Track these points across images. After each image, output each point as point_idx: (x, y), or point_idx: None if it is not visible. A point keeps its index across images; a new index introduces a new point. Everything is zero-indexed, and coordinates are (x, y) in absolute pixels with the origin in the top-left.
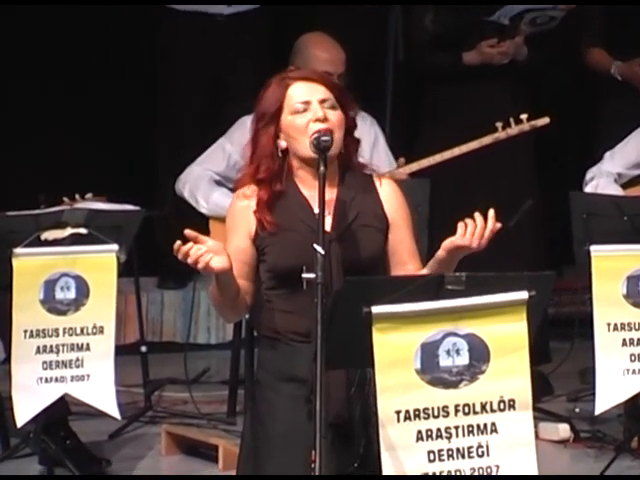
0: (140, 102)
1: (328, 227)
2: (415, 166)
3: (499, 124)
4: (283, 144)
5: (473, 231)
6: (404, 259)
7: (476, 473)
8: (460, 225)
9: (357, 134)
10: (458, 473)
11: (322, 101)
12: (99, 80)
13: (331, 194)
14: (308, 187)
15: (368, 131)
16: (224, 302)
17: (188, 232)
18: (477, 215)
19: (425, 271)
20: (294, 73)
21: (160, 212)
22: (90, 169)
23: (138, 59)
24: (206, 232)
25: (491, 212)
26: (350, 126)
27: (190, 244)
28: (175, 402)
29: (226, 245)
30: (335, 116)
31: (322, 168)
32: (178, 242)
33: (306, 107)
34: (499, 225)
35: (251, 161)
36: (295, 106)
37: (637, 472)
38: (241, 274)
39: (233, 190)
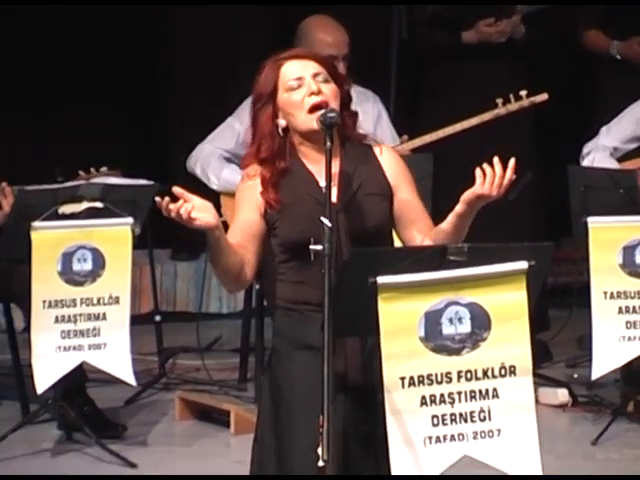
0: (154, 81)
1: (334, 198)
2: (418, 142)
3: (499, 100)
4: (282, 122)
5: (492, 180)
6: (413, 218)
7: (478, 437)
8: (479, 174)
9: (360, 111)
10: (461, 437)
11: (315, 75)
12: (114, 57)
13: (334, 167)
14: (312, 161)
15: (372, 108)
16: (220, 269)
17: (175, 189)
18: (496, 162)
19: (444, 226)
20: (285, 53)
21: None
22: (105, 143)
23: (152, 40)
24: (217, 206)
25: (512, 161)
26: (345, 99)
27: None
28: (188, 369)
29: (233, 218)
30: (329, 89)
31: (329, 143)
32: (166, 199)
33: (300, 83)
34: (514, 176)
35: (252, 142)
36: (289, 83)
37: (633, 435)
38: (245, 245)
39: (242, 166)
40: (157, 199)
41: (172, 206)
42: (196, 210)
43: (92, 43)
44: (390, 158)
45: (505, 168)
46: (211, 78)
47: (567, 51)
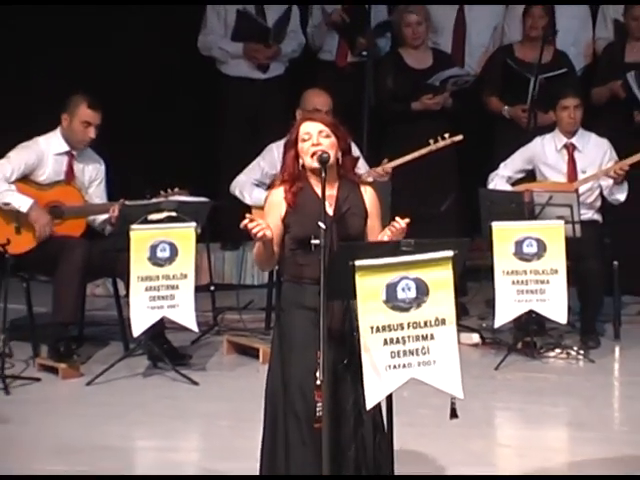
0: (209, 131)
1: (330, 212)
2: (380, 170)
3: (431, 140)
4: (301, 161)
5: (395, 232)
6: (374, 235)
7: (421, 365)
8: (389, 228)
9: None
10: (409, 365)
11: (319, 132)
12: (183, 109)
13: (332, 191)
14: (316, 186)
15: (357, 153)
16: (264, 258)
17: (249, 216)
18: (398, 220)
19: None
20: (304, 116)
21: (221, 203)
22: (178, 171)
23: (211, 99)
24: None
25: (405, 220)
26: (345, 148)
27: (256, 223)
28: (232, 321)
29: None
30: (328, 141)
31: (323, 174)
32: (245, 220)
33: (309, 137)
34: (405, 226)
35: (281, 170)
36: (302, 136)
37: (521, 363)
38: (274, 241)
39: (267, 188)
40: (245, 222)
41: (251, 224)
42: (264, 227)
43: (168, 94)
44: (370, 196)
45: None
46: (247, 127)
47: (476, 111)
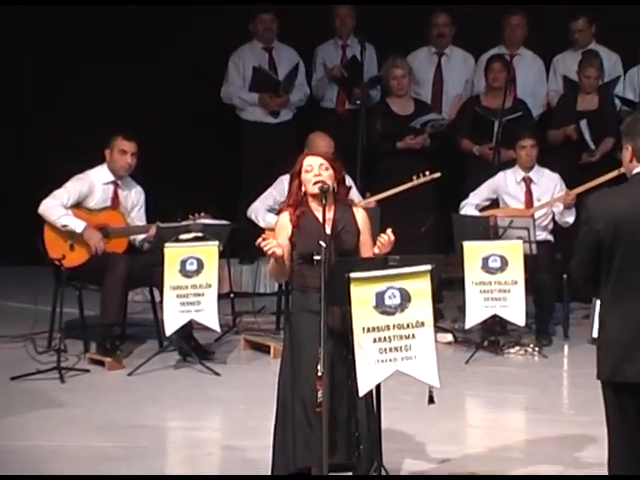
0: (230, 165)
1: (328, 231)
2: (371, 200)
3: (414, 176)
4: (304, 189)
5: (384, 243)
6: (366, 250)
7: (404, 360)
8: (378, 239)
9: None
10: (395, 360)
11: (320, 165)
12: (207, 145)
13: (330, 214)
14: (316, 210)
15: (351, 185)
16: (278, 271)
17: (264, 236)
18: (388, 231)
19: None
20: (307, 152)
21: (239, 225)
22: (204, 199)
23: (229, 140)
24: (262, 234)
25: (389, 233)
26: (340, 179)
27: (268, 242)
28: (248, 323)
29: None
30: (327, 174)
31: (324, 201)
32: (259, 240)
33: (311, 168)
34: (392, 238)
35: (287, 197)
36: (306, 168)
37: (486, 359)
38: (286, 257)
39: (277, 213)
40: (259, 241)
41: (264, 243)
42: (276, 246)
43: (198, 135)
44: (361, 216)
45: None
46: (261, 162)
47: (450, 150)
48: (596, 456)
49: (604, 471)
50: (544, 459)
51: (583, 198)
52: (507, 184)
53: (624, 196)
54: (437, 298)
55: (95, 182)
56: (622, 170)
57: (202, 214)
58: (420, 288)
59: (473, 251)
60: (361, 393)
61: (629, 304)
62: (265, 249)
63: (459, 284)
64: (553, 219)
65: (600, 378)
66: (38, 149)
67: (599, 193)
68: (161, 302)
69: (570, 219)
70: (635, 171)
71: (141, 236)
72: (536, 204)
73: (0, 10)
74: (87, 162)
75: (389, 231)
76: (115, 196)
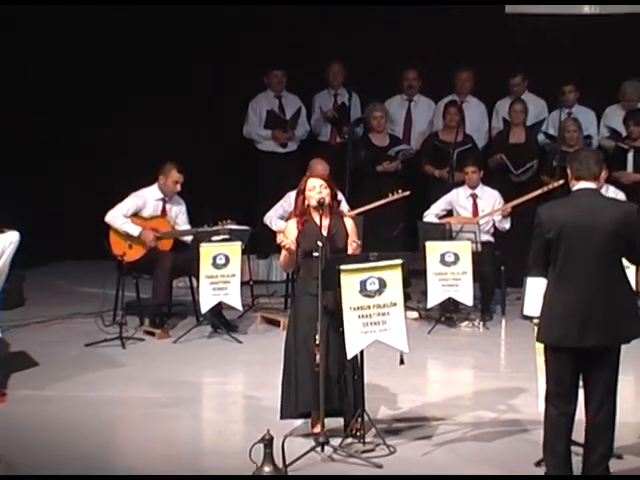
0: (251, 185)
1: (325, 233)
2: (355, 211)
3: (390, 193)
4: (307, 203)
5: (355, 248)
6: (352, 251)
7: (382, 331)
8: (350, 245)
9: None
10: (374, 332)
11: (320, 185)
12: (234, 170)
13: (326, 222)
14: (316, 218)
15: (342, 199)
16: (289, 263)
17: (280, 237)
18: (353, 244)
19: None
20: (309, 175)
21: (257, 230)
22: (230, 210)
23: (250, 167)
24: (274, 236)
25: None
26: (333, 195)
27: (285, 239)
28: (263, 303)
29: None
30: (325, 191)
31: (322, 212)
32: (279, 238)
33: (314, 187)
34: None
35: (294, 209)
36: (309, 187)
37: (443, 330)
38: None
39: (286, 220)
40: (279, 240)
41: (283, 241)
42: (291, 242)
43: (227, 163)
44: (349, 223)
45: None
46: (274, 182)
47: (417, 172)
48: (526, 403)
49: (533, 413)
50: (486, 406)
51: (537, 207)
52: (459, 199)
53: (567, 206)
54: (406, 284)
55: (148, 198)
56: (544, 189)
57: (229, 221)
58: (393, 277)
59: (433, 249)
60: (349, 356)
61: (570, 286)
62: (283, 245)
63: (422, 274)
64: (493, 225)
65: (547, 343)
66: (105, 171)
67: (548, 204)
68: (198, 288)
69: (507, 225)
70: (575, 188)
71: (187, 238)
72: (480, 214)
73: (68, 47)
74: (140, 180)
75: (354, 244)
76: (163, 209)
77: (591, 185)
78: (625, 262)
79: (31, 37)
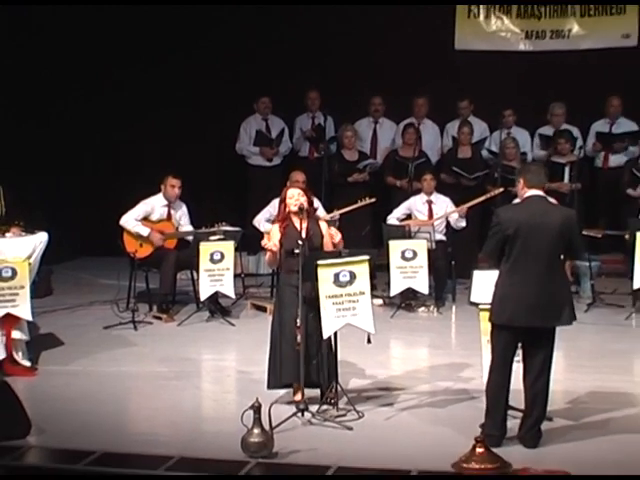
0: (243, 194)
1: (304, 235)
2: (329, 215)
3: (359, 200)
4: (288, 209)
5: (332, 237)
6: (327, 249)
7: (352, 316)
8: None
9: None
10: (345, 316)
11: (299, 194)
12: (229, 181)
13: (305, 225)
14: (296, 222)
15: (318, 205)
16: (272, 261)
17: (265, 240)
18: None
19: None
20: (289, 185)
21: (247, 231)
22: (224, 214)
23: (242, 179)
24: (262, 236)
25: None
26: (310, 202)
27: (268, 242)
28: (253, 293)
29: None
30: (303, 199)
31: (301, 216)
32: (263, 241)
33: (293, 196)
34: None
35: (277, 215)
36: (289, 196)
37: (404, 314)
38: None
39: (272, 223)
40: (263, 242)
41: (267, 244)
42: (273, 244)
43: (224, 175)
44: (324, 226)
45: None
46: (261, 191)
47: (381, 183)
48: (472, 375)
49: (478, 384)
50: (440, 378)
51: (492, 209)
52: (416, 204)
53: (522, 209)
54: (372, 276)
55: (155, 205)
56: (489, 194)
57: (223, 223)
58: (362, 270)
59: (395, 247)
60: (325, 336)
61: (521, 275)
62: (267, 247)
63: (386, 267)
64: (446, 226)
65: (498, 322)
66: (120, 181)
67: (506, 207)
68: (198, 279)
69: (463, 224)
70: (527, 194)
71: (189, 237)
72: (435, 217)
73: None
74: (150, 188)
75: (338, 235)
76: (169, 213)
77: (540, 193)
78: None
79: (59, 48)
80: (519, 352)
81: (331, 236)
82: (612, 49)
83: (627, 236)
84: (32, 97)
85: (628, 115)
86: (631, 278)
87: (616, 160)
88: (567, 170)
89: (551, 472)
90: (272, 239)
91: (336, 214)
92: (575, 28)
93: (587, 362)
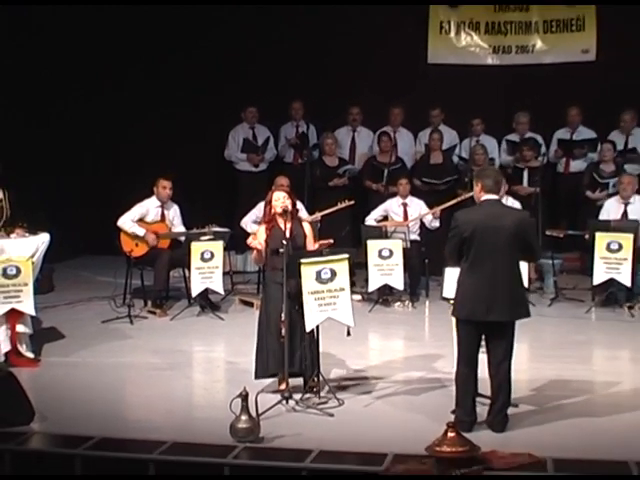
0: (232, 198)
1: (288, 236)
2: (313, 217)
3: (339, 202)
4: (273, 211)
5: (324, 244)
6: (309, 248)
7: (333, 310)
8: (320, 243)
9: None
10: (326, 310)
11: (284, 197)
12: (218, 186)
13: (288, 225)
14: (281, 223)
15: (301, 207)
16: (259, 259)
17: (251, 239)
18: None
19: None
20: (274, 189)
21: (235, 232)
22: (214, 216)
23: (230, 183)
24: (249, 236)
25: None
26: (294, 204)
27: (254, 240)
28: (240, 289)
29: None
30: (287, 201)
31: (285, 217)
32: (248, 240)
33: (279, 199)
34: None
35: (263, 216)
36: (275, 198)
37: (381, 309)
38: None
39: (258, 224)
40: (248, 241)
41: (252, 243)
42: (259, 243)
43: (216, 179)
44: (306, 226)
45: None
46: (249, 194)
47: (359, 187)
48: (444, 365)
49: (450, 373)
50: (414, 368)
51: (453, 214)
52: (392, 206)
53: (478, 212)
54: (352, 273)
55: (149, 207)
56: (460, 198)
57: (213, 225)
58: (342, 268)
59: (373, 246)
60: (308, 330)
61: (479, 273)
62: (251, 245)
63: (364, 265)
64: (420, 227)
65: (459, 317)
66: (118, 185)
67: (463, 210)
68: (189, 277)
69: (437, 224)
70: (483, 198)
71: (182, 238)
72: (410, 218)
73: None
74: (144, 190)
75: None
76: (162, 214)
77: (495, 197)
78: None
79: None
80: (485, 344)
81: (324, 244)
82: (572, 63)
83: (587, 236)
84: (31, 97)
85: (587, 124)
86: (590, 275)
87: (576, 166)
88: (527, 175)
89: (517, 454)
90: (258, 239)
91: (317, 216)
92: (539, 44)
93: (550, 352)
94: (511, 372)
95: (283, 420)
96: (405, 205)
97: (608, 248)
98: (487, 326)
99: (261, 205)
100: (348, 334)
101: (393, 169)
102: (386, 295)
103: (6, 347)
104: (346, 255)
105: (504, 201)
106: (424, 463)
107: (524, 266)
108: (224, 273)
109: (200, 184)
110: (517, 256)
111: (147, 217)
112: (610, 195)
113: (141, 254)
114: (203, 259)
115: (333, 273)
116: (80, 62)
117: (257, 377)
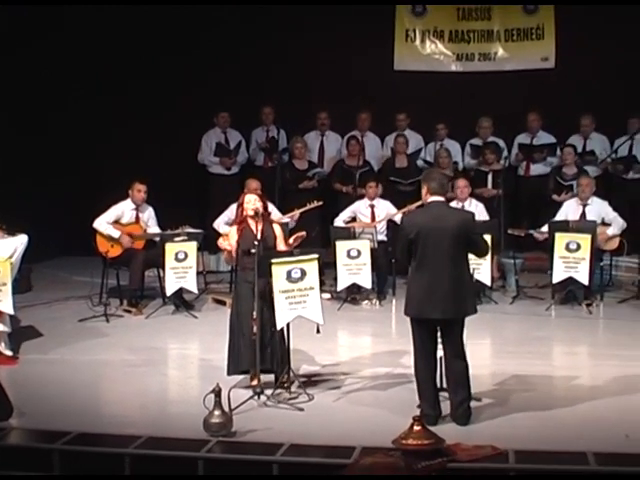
0: (204, 200)
1: (259, 237)
2: (291, 215)
3: (308, 203)
4: (245, 213)
5: (297, 239)
6: (279, 248)
7: (303, 309)
8: (293, 238)
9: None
10: (296, 309)
11: (255, 199)
12: (190, 189)
13: (259, 226)
14: (252, 225)
15: (273, 208)
16: (230, 259)
17: (221, 240)
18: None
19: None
20: (246, 191)
21: (208, 232)
22: (187, 217)
23: (203, 186)
24: (217, 237)
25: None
26: (265, 206)
27: (224, 242)
28: (213, 288)
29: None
30: (258, 204)
31: (257, 219)
32: (219, 242)
33: (249, 202)
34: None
35: (235, 217)
36: (247, 201)
37: (350, 307)
38: (233, 251)
39: (230, 226)
40: (218, 242)
41: (222, 244)
42: (229, 244)
43: (189, 182)
44: (277, 227)
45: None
46: (221, 197)
47: (328, 189)
48: (409, 361)
49: (407, 369)
50: (381, 364)
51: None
52: (360, 208)
53: (423, 214)
54: (321, 273)
55: (125, 209)
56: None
57: (187, 226)
58: (311, 268)
59: (341, 246)
60: (278, 327)
61: (425, 273)
62: (222, 247)
63: (333, 265)
64: (387, 227)
65: (409, 315)
66: (95, 187)
67: (410, 213)
68: (164, 276)
69: None
70: (429, 200)
71: (157, 238)
72: (377, 219)
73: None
74: (119, 192)
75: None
76: (137, 216)
77: (441, 198)
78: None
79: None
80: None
81: (298, 238)
82: (532, 70)
83: (537, 234)
84: (9, 100)
85: (547, 128)
86: (550, 273)
87: (537, 169)
88: (490, 177)
89: (480, 447)
90: (230, 240)
91: (296, 213)
92: (500, 52)
93: (512, 348)
94: (468, 367)
95: (255, 415)
96: (373, 207)
97: (567, 248)
98: (436, 323)
99: (233, 207)
100: (318, 331)
101: (362, 172)
102: (354, 294)
103: None
104: (316, 255)
105: (467, 204)
106: (391, 455)
107: (486, 265)
108: (197, 273)
109: (174, 186)
110: (462, 255)
111: (122, 219)
112: (575, 196)
113: (117, 255)
114: (177, 259)
115: (303, 273)
116: (57, 67)
117: (229, 373)
